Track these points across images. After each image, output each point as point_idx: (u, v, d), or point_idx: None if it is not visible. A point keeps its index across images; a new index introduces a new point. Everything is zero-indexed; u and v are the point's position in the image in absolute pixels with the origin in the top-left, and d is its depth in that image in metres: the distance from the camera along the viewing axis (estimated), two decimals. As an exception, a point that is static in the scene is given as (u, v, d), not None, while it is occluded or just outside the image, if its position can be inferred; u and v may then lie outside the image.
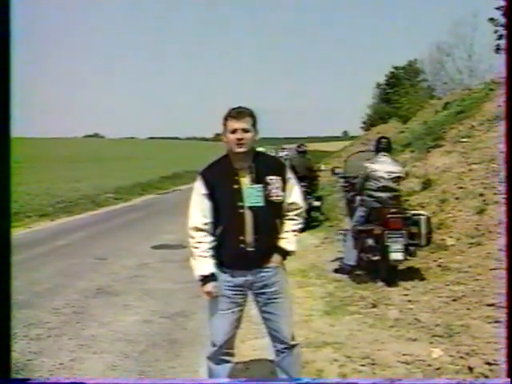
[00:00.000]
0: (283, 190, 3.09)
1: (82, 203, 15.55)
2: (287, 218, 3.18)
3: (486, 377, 3.67)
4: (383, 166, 6.51)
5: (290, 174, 3.19)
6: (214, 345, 3.20)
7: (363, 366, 3.96)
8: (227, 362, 3.27)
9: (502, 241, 5.90)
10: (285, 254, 3.17)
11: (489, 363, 3.78)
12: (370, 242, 6.30)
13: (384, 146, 6.71)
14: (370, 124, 41.45)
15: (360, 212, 6.72)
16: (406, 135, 17.34)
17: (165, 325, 5.22)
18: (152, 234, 10.72)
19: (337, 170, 8.06)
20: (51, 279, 6.93)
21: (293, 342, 3.24)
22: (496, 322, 4.51)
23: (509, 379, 2.67)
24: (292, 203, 3.17)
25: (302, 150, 11.69)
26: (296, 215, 3.20)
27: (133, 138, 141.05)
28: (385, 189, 6.50)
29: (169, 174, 28.51)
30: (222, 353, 3.22)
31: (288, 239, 3.17)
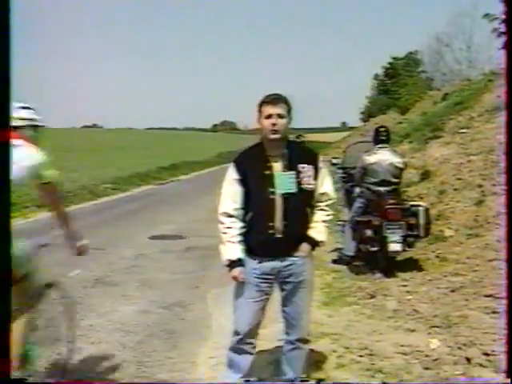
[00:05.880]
0: (315, 178, 3.10)
1: (80, 193, 15.49)
2: (318, 208, 3.20)
3: (484, 367, 3.68)
4: (382, 159, 6.48)
5: (322, 164, 3.19)
6: (238, 334, 3.20)
7: (361, 356, 3.96)
8: (249, 353, 3.25)
9: (501, 232, 5.90)
10: (314, 243, 3.18)
11: (486, 354, 3.78)
12: (369, 232, 6.29)
13: (383, 137, 6.67)
14: (368, 115, 41.42)
15: (358, 203, 6.70)
16: (404, 126, 17.34)
17: (163, 315, 5.21)
18: (150, 225, 10.69)
19: (335, 161, 8.04)
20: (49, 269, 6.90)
21: (307, 337, 3.27)
22: (494, 312, 4.51)
23: (509, 380, 2.67)
24: (324, 193, 3.19)
25: (301, 141, 11.69)
26: (327, 206, 3.22)
27: (131, 128, 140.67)
28: (383, 183, 6.48)
29: (167, 165, 28.46)
30: (245, 342, 3.22)
31: (318, 229, 3.18)
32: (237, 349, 3.24)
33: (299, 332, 3.22)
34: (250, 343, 3.24)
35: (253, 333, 3.22)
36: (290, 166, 3.06)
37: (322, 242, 3.21)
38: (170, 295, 5.82)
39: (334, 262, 6.98)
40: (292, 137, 12.80)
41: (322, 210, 3.19)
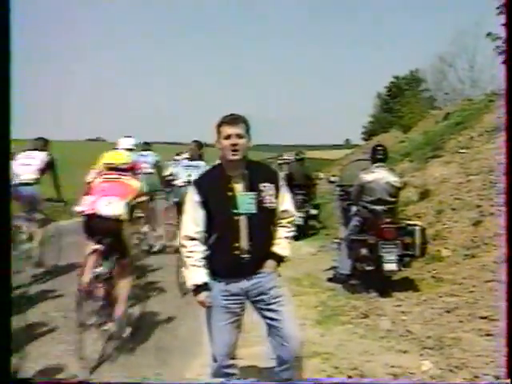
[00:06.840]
0: (276, 197, 3.11)
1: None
2: (280, 225, 3.20)
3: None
4: (379, 177, 6.47)
5: (282, 182, 3.21)
6: (217, 359, 3.15)
7: (350, 377, 3.92)
8: (232, 374, 3.20)
9: (498, 253, 5.86)
10: (279, 259, 3.17)
11: (477, 377, 3.74)
12: (364, 251, 6.26)
13: (380, 156, 6.65)
14: (370, 133, 41.47)
15: (355, 221, 6.67)
16: (405, 145, 17.34)
17: (154, 330, 5.17)
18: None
19: (333, 179, 8.03)
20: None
21: (299, 354, 3.17)
22: (488, 334, 4.47)
23: (509, 380, 2.65)
24: (284, 211, 3.19)
25: (300, 158, 11.67)
26: (288, 222, 3.23)
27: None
28: (380, 201, 6.44)
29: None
30: (226, 365, 3.16)
31: (281, 245, 3.18)
32: (219, 374, 3.18)
33: (288, 353, 3.12)
34: (232, 365, 3.19)
35: (232, 354, 3.18)
36: (252, 186, 3.05)
37: (286, 257, 3.20)
38: (162, 311, 5.78)
39: (330, 280, 6.94)
40: (292, 154, 12.81)
41: (283, 226, 3.20)
